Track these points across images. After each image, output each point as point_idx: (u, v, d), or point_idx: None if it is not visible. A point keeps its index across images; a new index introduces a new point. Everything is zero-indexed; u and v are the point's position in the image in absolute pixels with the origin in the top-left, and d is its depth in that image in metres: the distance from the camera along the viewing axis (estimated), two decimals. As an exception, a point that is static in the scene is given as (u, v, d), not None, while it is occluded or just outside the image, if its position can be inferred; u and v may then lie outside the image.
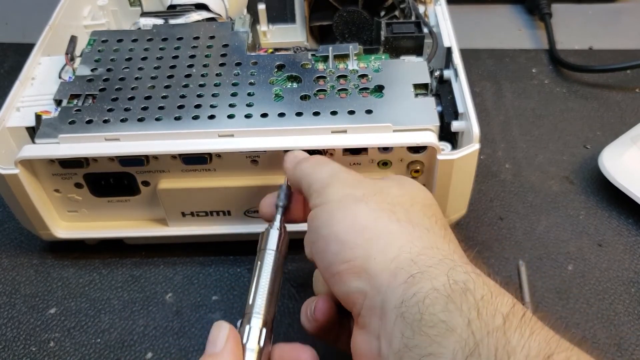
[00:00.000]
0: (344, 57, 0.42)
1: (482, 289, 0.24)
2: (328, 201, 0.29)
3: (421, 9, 0.48)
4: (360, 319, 0.27)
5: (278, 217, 0.33)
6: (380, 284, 0.26)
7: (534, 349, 0.22)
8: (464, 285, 0.24)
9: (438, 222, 0.29)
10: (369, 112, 0.37)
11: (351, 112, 0.37)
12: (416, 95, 0.39)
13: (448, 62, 0.43)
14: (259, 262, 0.31)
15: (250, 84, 0.40)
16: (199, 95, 0.39)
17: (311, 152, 0.37)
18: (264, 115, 0.37)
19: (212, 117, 0.37)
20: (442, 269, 0.25)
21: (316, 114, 0.37)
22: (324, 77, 0.40)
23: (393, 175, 0.32)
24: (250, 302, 0.29)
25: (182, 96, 0.39)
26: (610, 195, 0.46)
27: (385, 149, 0.37)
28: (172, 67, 0.41)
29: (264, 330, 0.28)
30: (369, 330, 0.26)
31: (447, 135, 0.39)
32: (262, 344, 0.28)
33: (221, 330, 0.27)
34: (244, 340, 0.28)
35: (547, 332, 0.23)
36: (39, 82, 0.42)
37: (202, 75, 0.40)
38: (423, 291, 0.24)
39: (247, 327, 0.28)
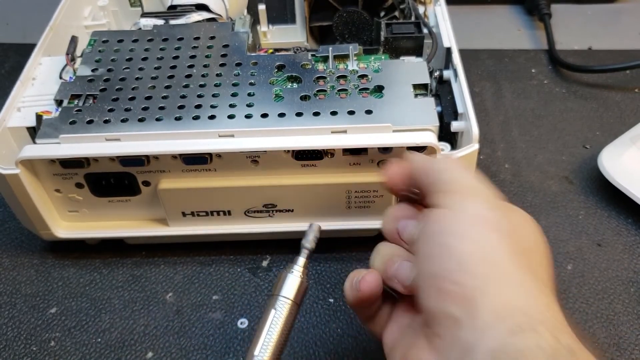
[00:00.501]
0: (343, 57, 0.42)
1: (588, 358, 0.23)
2: (463, 210, 0.26)
3: (421, 9, 0.48)
4: (437, 341, 0.25)
5: (301, 260, 0.31)
6: (482, 323, 0.24)
7: None
8: (570, 349, 0.23)
9: (551, 278, 0.27)
10: (368, 112, 0.37)
11: (351, 113, 0.37)
12: (416, 95, 0.39)
13: (448, 62, 0.43)
14: (272, 310, 0.29)
15: (251, 84, 0.40)
16: (200, 96, 0.39)
17: (311, 152, 0.37)
18: (264, 115, 0.37)
19: (212, 117, 0.37)
20: (549, 326, 0.23)
21: (316, 114, 0.37)
22: (324, 78, 0.40)
23: (519, 210, 0.30)
24: (256, 352, 0.28)
25: (183, 96, 0.39)
26: (610, 195, 0.46)
27: (385, 149, 0.37)
28: (173, 67, 0.41)
29: None
30: (441, 354, 0.25)
31: (447, 135, 0.39)
32: None
33: None
34: None
35: None
36: (40, 82, 0.43)
37: (203, 76, 0.40)
38: (526, 344, 0.23)
39: None
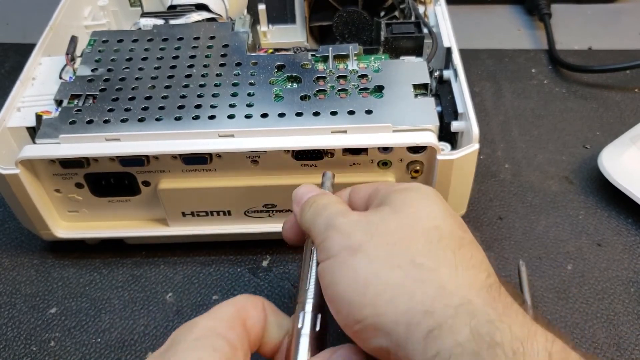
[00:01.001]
0: (343, 57, 0.42)
1: (511, 341, 0.22)
2: (327, 257, 0.27)
3: (421, 9, 0.48)
4: None
5: None
6: (398, 339, 0.24)
7: None
8: (490, 339, 0.22)
9: (447, 246, 0.26)
10: (368, 112, 0.37)
11: (351, 112, 0.37)
12: (416, 95, 0.39)
13: (448, 62, 0.43)
14: (306, 248, 0.31)
15: (251, 84, 0.40)
16: (199, 96, 0.39)
17: (311, 152, 0.37)
18: (264, 115, 0.37)
19: (212, 117, 0.37)
20: (462, 319, 0.23)
21: (316, 114, 0.37)
22: (324, 78, 0.40)
23: (395, 194, 0.29)
24: (304, 287, 0.29)
25: (183, 96, 0.39)
26: (610, 195, 0.46)
27: (385, 149, 0.37)
28: (173, 67, 0.41)
29: (319, 316, 0.28)
30: None
31: (447, 135, 0.39)
32: (317, 328, 0.28)
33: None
34: (299, 325, 0.28)
35: None
36: (40, 82, 0.42)
37: (203, 76, 0.40)
38: (446, 348, 0.22)
39: (302, 312, 0.28)
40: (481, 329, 0.23)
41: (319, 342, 0.28)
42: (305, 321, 0.28)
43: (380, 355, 0.25)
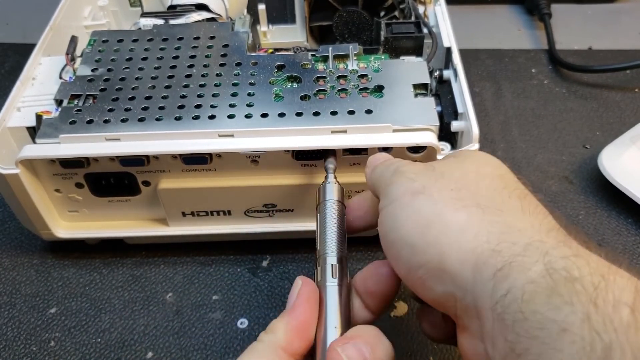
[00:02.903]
0: (343, 57, 0.42)
1: (591, 275, 0.20)
2: (390, 201, 0.27)
3: (421, 9, 0.48)
4: (459, 322, 0.24)
5: (331, 175, 0.35)
6: (465, 282, 0.23)
7: None
8: (567, 274, 0.20)
9: (512, 193, 0.26)
10: (368, 112, 0.37)
11: (351, 112, 0.37)
12: (416, 95, 0.39)
13: (448, 62, 0.43)
14: (319, 214, 0.32)
15: (251, 84, 0.40)
16: (199, 96, 0.39)
17: (311, 152, 0.37)
18: (264, 115, 0.37)
19: (212, 117, 0.37)
20: (533, 255, 0.22)
21: (316, 114, 0.37)
22: (324, 77, 0.40)
23: (458, 152, 0.30)
24: (320, 246, 0.31)
25: (183, 96, 0.39)
26: (610, 195, 0.46)
27: (385, 149, 0.37)
28: (173, 67, 0.41)
29: (338, 266, 0.29)
30: (471, 333, 0.24)
31: (447, 135, 0.39)
32: (337, 277, 0.29)
33: (295, 287, 0.28)
34: (319, 279, 0.29)
35: None
36: (40, 82, 0.42)
37: (203, 76, 0.40)
38: (518, 285, 0.21)
39: (323, 266, 0.29)
40: (556, 264, 0.21)
41: (346, 289, 0.29)
42: (327, 273, 0.29)
43: (447, 304, 0.24)
